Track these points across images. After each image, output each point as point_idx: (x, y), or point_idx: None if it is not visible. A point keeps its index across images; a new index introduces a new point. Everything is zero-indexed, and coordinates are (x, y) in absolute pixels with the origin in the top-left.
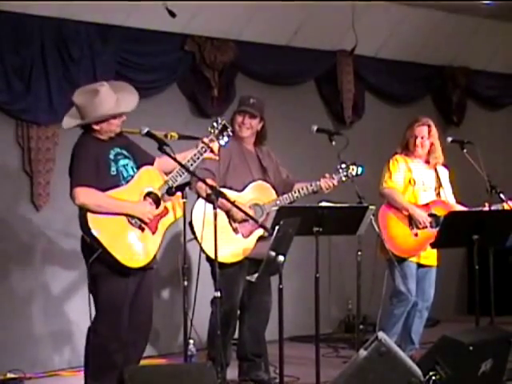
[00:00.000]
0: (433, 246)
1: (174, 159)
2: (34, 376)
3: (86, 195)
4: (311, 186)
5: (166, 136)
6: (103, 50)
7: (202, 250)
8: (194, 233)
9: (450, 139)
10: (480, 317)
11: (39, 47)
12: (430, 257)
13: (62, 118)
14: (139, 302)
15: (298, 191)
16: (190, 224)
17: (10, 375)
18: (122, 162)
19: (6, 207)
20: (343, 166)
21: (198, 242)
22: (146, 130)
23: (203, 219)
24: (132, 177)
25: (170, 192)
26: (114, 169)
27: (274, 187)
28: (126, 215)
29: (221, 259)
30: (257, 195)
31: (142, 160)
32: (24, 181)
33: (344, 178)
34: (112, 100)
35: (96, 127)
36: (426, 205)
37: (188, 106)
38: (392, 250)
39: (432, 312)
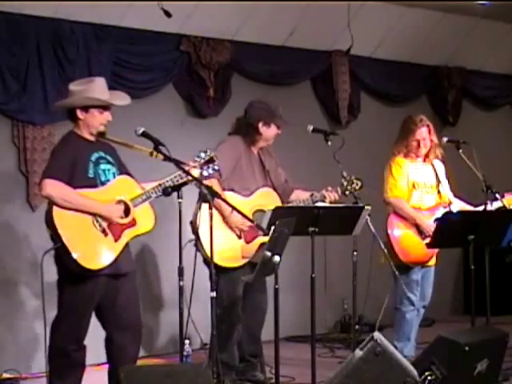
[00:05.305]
0: (428, 246)
1: (170, 159)
2: (30, 376)
3: (54, 187)
4: (315, 197)
5: (151, 154)
6: (99, 50)
7: (199, 250)
8: (195, 233)
9: (445, 139)
10: (476, 317)
11: (35, 47)
12: (432, 257)
13: (57, 118)
14: (124, 306)
15: (303, 202)
16: (191, 223)
17: (5, 375)
18: (104, 166)
19: (2, 207)
20: (347, 179)
21: (200, 243)
22: (141, 130)
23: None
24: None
25: (167, 192)
26: (91, 171)
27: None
28: (93, 214)
29: (221, 263)
30: (262, 202)
31: (123, 171)
32: (20, 181)
33: (347, 193)
34: (104, 90)
35: (80, 116)
36: (430, 208)
37: (184, 106)
38: (404, 260)
39: (428, 312)
